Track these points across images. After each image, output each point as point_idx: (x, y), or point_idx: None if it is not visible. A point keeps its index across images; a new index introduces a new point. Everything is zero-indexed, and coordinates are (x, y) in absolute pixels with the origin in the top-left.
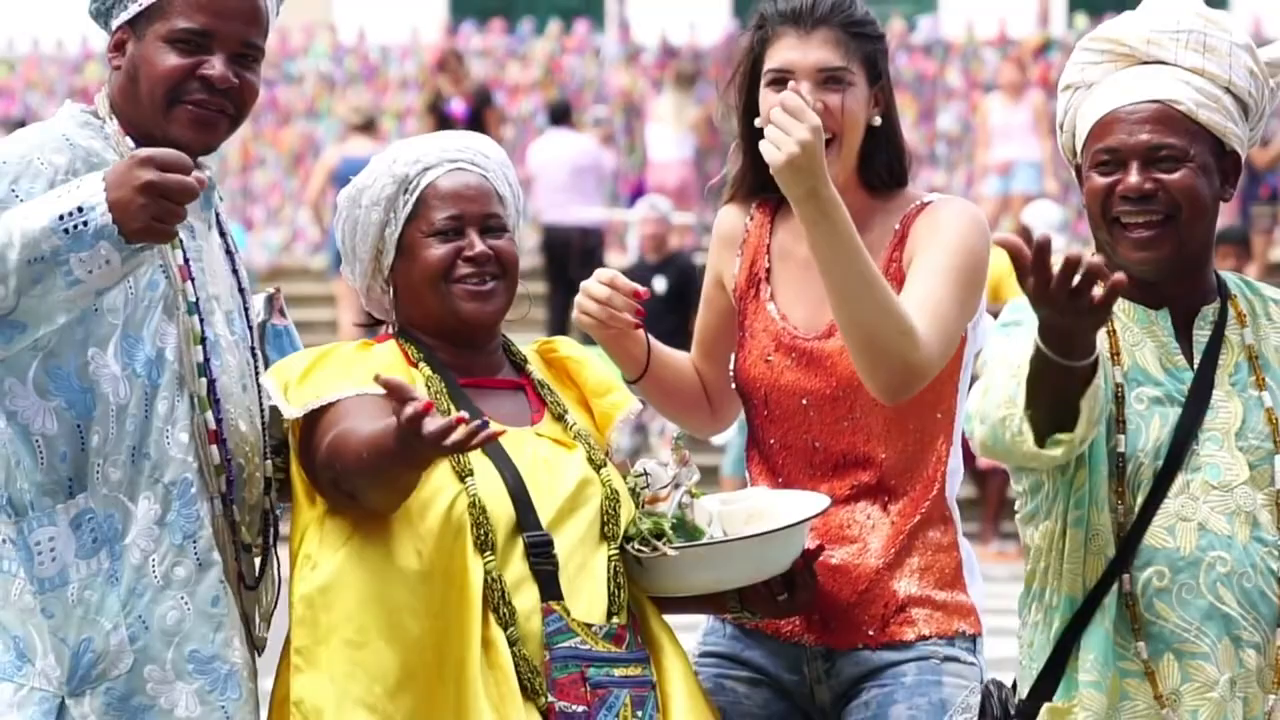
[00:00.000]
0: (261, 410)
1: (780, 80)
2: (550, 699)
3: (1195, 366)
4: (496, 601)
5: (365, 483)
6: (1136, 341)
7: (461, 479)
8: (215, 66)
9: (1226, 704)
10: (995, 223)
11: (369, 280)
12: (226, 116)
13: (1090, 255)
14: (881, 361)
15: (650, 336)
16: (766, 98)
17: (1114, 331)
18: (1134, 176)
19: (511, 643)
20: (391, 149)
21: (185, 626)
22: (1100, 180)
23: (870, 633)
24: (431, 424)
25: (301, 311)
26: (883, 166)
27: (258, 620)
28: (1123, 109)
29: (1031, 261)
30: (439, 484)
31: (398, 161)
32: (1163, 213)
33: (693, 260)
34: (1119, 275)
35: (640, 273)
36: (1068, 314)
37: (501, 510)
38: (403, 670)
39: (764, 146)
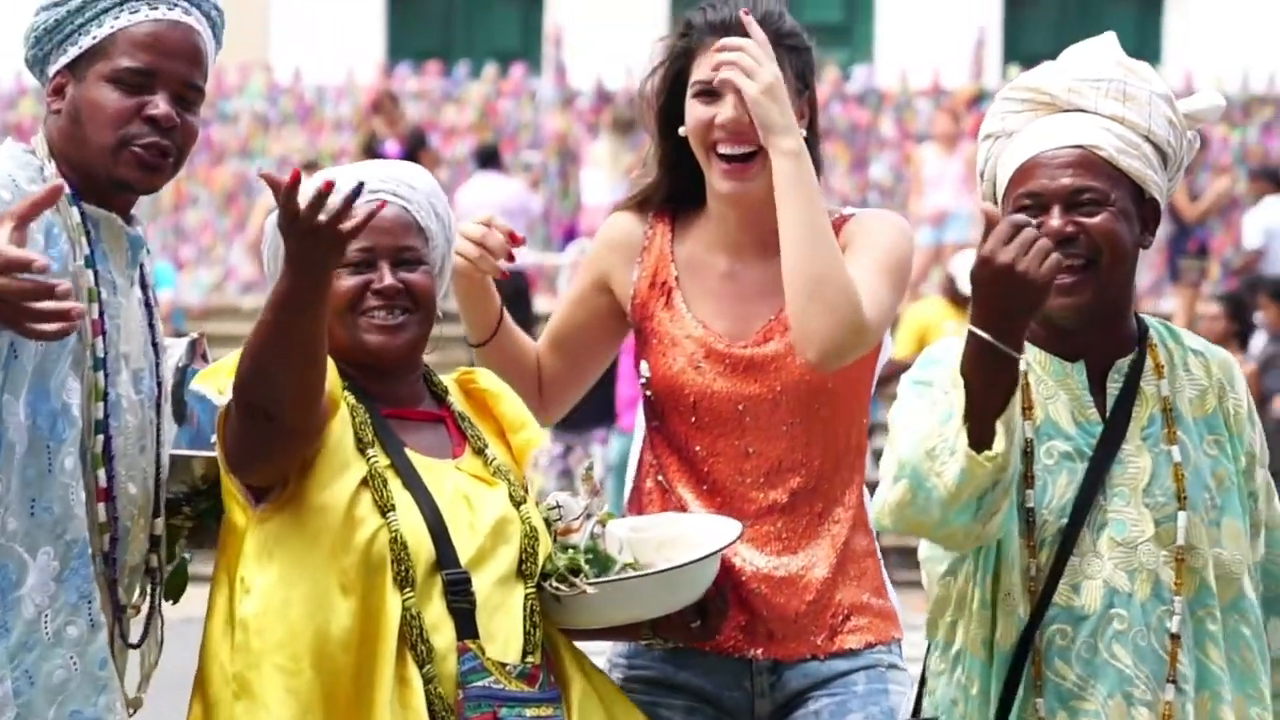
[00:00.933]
0: (159, 470)
1: (707, 92)
2: None
3: (1107, 420)
4: (414, 639)
5: (275, 357)
6: (1050, 395)
7: (383, 514)
8: (159, 106)
9: None
10: (926, 274)
11: None
12: (171, 157)
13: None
14: (830, 312)
15: (506, 313)
16: (693, 109)
17: (1028, 384)
18: (1055, 220)
19: (427, 680)
20: (317, 175)
21: (70, 686)
22: None
23: (819, 642)
24: (309, 188)
25: (233, 351)
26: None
27: (140, 679)
28: (1044, 154)
29: (1004, 230)
30: (361, 516)
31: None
32: (1084, 257)
33: None
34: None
35: None
36: (1016, 285)
37: (421, 546)
38: (328, 701)
39: (734, 75)
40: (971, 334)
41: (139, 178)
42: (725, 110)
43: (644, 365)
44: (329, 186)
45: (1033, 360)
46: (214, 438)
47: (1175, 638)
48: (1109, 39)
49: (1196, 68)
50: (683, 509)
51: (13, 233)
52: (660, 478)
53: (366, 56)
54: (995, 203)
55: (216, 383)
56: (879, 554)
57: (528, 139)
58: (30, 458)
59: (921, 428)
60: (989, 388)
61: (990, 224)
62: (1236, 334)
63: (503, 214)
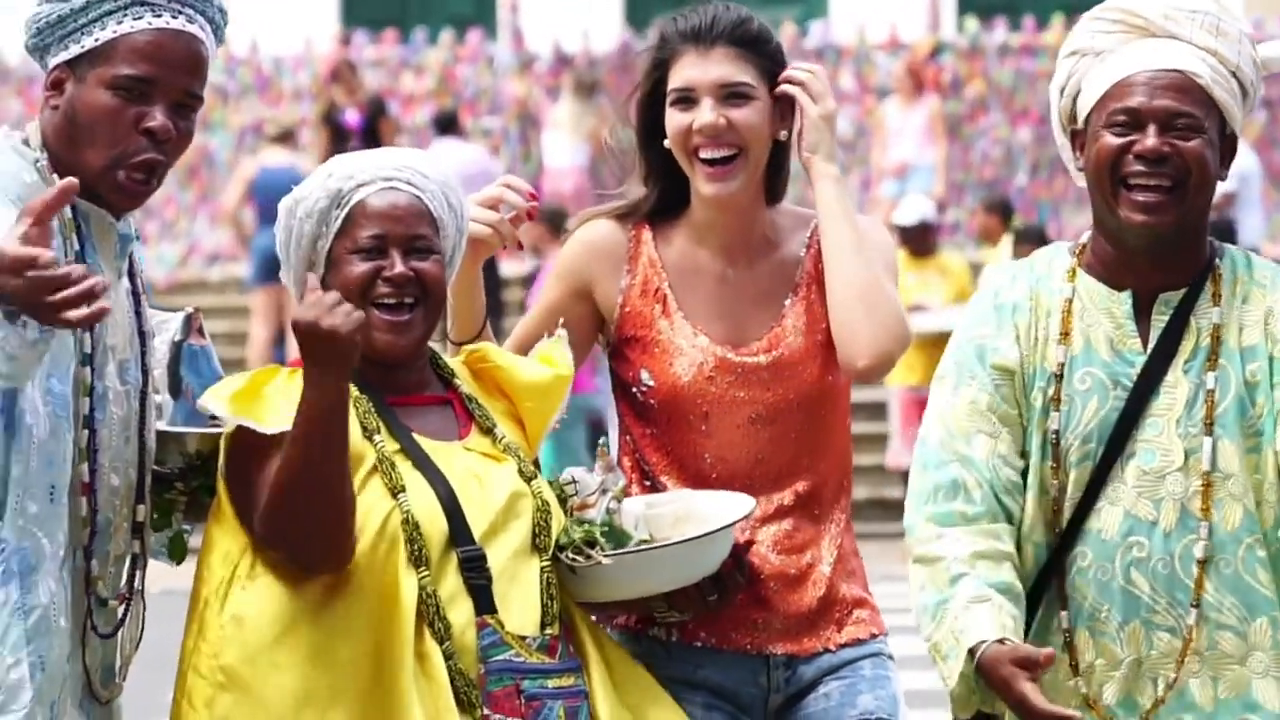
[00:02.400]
0: (143, 456)
1: (685, 99)
2: (485, 712)
3: (1149, 351)
4: (431, 616)
5: (312, 471)
6: (1092, 322)
7: (394, 495)
8: (156, 118)
9: (1132, 683)
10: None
11: (301, 289)
12: (159, 171)
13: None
14: (881, 323)
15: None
16: (672, 117)
17: (1069, 311)
18: (1151, 139)
19: (447, 656)
20: (331, 162)
21: (63, 675)
22: (1114, 140)
23: (830, 635)
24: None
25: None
26: (788, 179)
27: (117, 668)
28: (1143, 74)
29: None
30: (371, 502)
31: (333, 175)
32: (1173, 178)
33: None
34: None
35: (537, 276)
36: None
37: (435, 525)
38: (331, 691)
39: (799, 95)
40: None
41: (119, 202)
42: (703, 115)
43: (645, 374)
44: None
45: (1080, 288)
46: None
47: (1202, 564)
48: None
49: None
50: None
51: (30, 229)
52: (648, 483)
53: (322, 26)
54: (1072, 119)
55: (228, 398)
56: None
57: (487, 104)
58: (52, 443)
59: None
60: None
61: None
62: None
63: (464, 180)
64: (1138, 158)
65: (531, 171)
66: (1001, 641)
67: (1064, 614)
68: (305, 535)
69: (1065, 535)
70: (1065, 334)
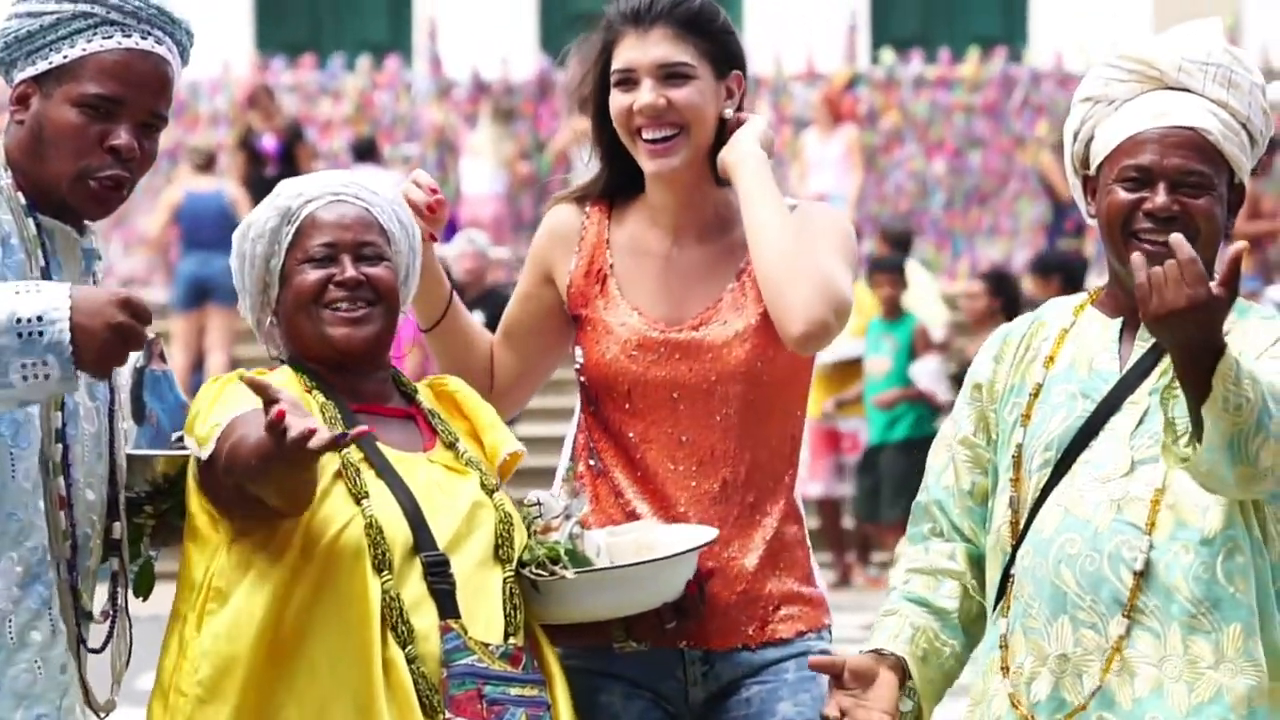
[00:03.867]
0: (114, 474)
1: (627, 80)
2: (447, 715)
3: (1124, 370)
4: (395, 620)
5: (261, 487)
6: (1081, 345)
7: (358, 502)
8: (121, 136)
9: (1059, 679)
10: None
11: (259, 314)
12: (125, 187)
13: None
14: (809, 285)
15: (456, 296)
16: (614, 99)
17: (1062, 339)
18: (1161, 197)
19: (410, 660)
20: (280, 185)
21: (36, 690)
22: (1125, 196)
23: (750, 632)
24: (293, 430)
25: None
26: None
27: (110, 683)
28: (1155, 130)
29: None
30: (334, 508)
31: (281, 195)
32: (1182, 235)
33: (509, 295)
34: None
35: None
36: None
37: (398, 531)
38: (301, 700)
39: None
40: None
41: (91, 209)
42: (643, 95)
43: (578, 351)
44: (310, 433)
45: (1082, 319)
46: (174, 436)
47: (1139, 575)
48: (1214, 23)
49: (1064, 47)
50: (618, 494)
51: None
52: (593, 462)
53: (238, 49)
54: (1084, 164)
55: (197, 430)
56: (808, 542)
57: (404, 131)
58: None
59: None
60: None
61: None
62: (1001, 310)
63: None
64: (1147, 215)
65: (449, 199)
66: (876, 652)
67: (1002, 620)
68: (269, 498)
69: (1019, 540)
70: (1051, 358)
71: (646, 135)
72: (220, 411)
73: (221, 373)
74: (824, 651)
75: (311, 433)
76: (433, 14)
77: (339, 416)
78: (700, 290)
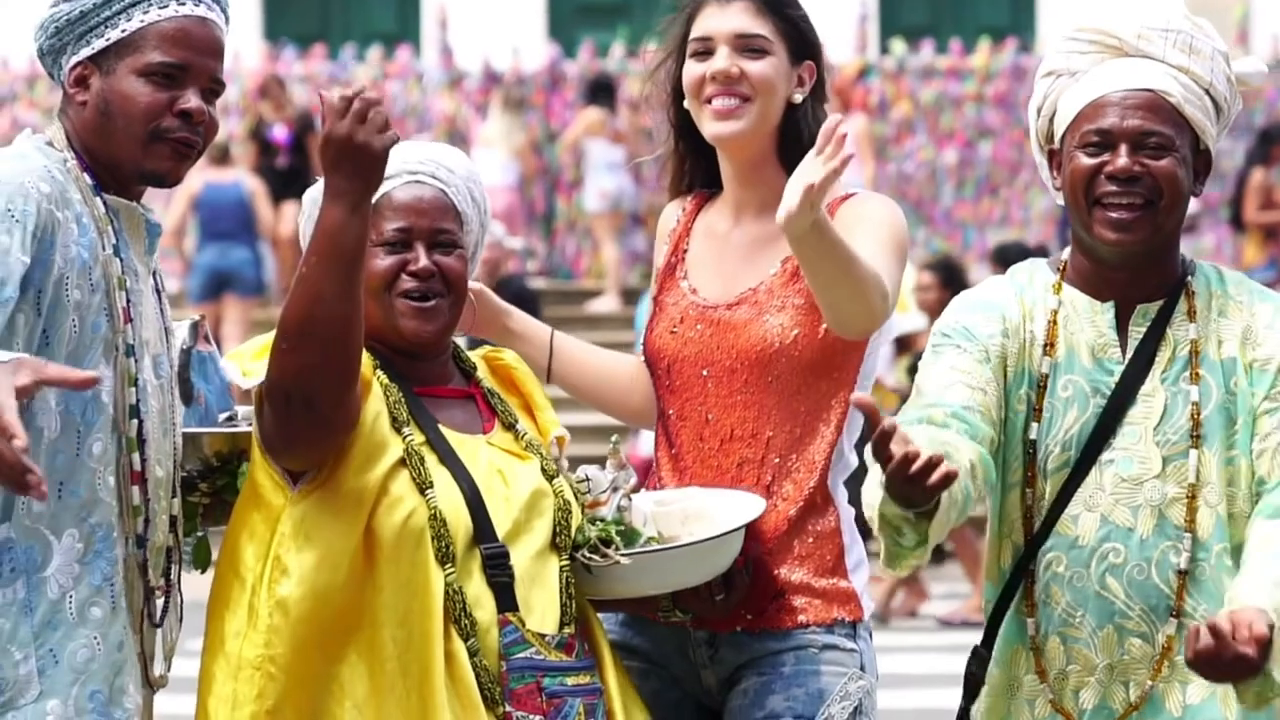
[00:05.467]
0: (175, 451)
1: (703, 51)
2: (508, 709)
3: (1127, 360)
4: (458, 613)
5: (324, 287)
6: (1075, 330)
7: (422, 491)
8: (191, 100)
9: (1106, 688)
10: None
11: None
12: (196, 150)
13: (927, 454)
14: (859, 306)
15: (556, 340)
16: (689, 68)
17: (1055, 321)
18: (1123, 159)
19: (472, 654)
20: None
21: (93, 666)
22: (1086, 161)
23: (749, 616)
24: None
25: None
26: (805, 146)
27: (160, 658)
28: (1115, 94)
29: (877, 439)
30: (399, 495)
31: None
32: (1144, 197)
33: (526, 284)
34: (950, 468)
35: None
36: (905, 486)
37: (460, 522)
38: (370, 683)
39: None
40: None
41: (169, 168)
42: (717, 61)
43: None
44: (367, 103)
45: (1065, 299)
46: (221, 416)
47: (1183, 574)
48: None
49: None
50: (652, 470)
51: (26, 388)
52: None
53: (246, 40)
54: (1048, 139)
55: (242, 363)
56: (845, 533)
57: (415, 121)
58: (62, 442)
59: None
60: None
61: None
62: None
63: None
64: (1110, 178)
65: None
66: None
67: (1030, 621)
68: (314, 371)
69: (1036, 540)
70: (1050, 344)
71: (715, 104)
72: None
73: None
74: (830, 646)
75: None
76: (442, 4)
77: (401, 399)
78: (749, 269)
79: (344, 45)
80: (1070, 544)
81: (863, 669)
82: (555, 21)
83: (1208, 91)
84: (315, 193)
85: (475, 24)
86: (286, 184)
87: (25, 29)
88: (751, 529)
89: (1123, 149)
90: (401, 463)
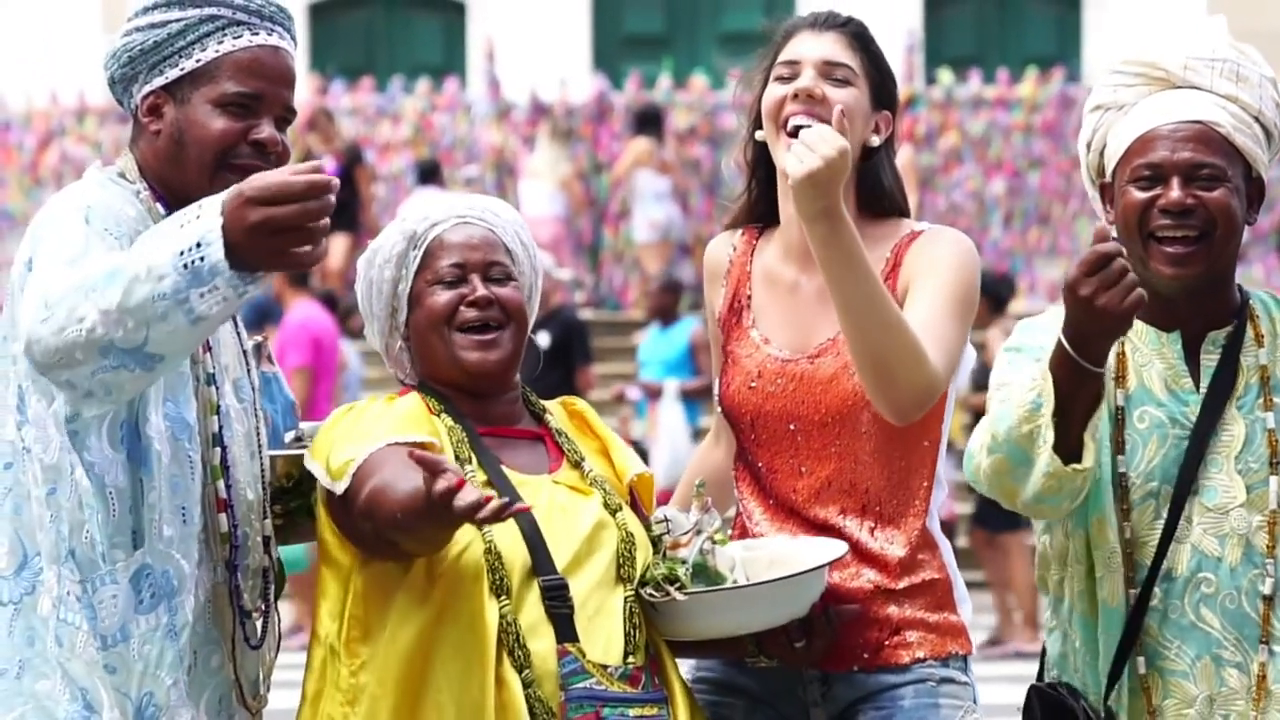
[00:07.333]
0: (262, 472)
1: (788, 75)
2: None
3: (1202, 390)
4: (511, 644)
5: (401, 538)
6: (1145, 362)
7: (479, 527)
8: (264, 130)
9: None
10: None
11: (387, 339)
12: None
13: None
14: (891, 380)
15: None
16: (771, 90)
17: (1123, 353)
18: (1175, 191)
19: (527, 684)
20: (403, 209)
21: (212, 683)
22: (1139, 195)
23: (865, 655)
24: (462, 500)
25: None
26: (882, 192)
27: (261, 679)
28: (1164, 127)
29: (1089, 259)
30: (456, 531)
31: (407, 220)
32: (1199, 229)
33: (574, 315)
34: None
35: None
36: (1095, 316)
37: (516, 555)
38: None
39: (787, 157)
40: (1059, 341)
41: None
42: (802, 80)
43: (716, 384)
44: (488, 499)
45: (1130, 331)
46: (288, 436)
47: (1268, 600)
48: (1219, 21)
49: None
50: (749, 518)
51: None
52: (737, 489)
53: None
54: (1100, 173)
55: (324, 458)
56: (950, 568)
57: (464, 153)
58: (175, 466)
59: (1013, 398)
60: (1071, 396)
61: (1097, 240)
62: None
63: None
64: (1163, 211)
65: None
66: None
67: (1140, 660)
68: (409, 550)
69: (1137, 576)
70: (1122, 376)
71: (795, 122)
72: (353, 446)
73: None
74: (947, 680)
75: (482, 504)
76: (489, 35)
77: (465, 439)
78: (824, 319)
79: (391, 78)
80: (1166, 578)
81: (975, 702)
82: (600, 53)
83: (1257, 119)
84: (368, 255)
85: (522, 56)
86: (333, 216)
87: (75, 63)
88: (847, 576)
89: (1175, 182)
90: None
